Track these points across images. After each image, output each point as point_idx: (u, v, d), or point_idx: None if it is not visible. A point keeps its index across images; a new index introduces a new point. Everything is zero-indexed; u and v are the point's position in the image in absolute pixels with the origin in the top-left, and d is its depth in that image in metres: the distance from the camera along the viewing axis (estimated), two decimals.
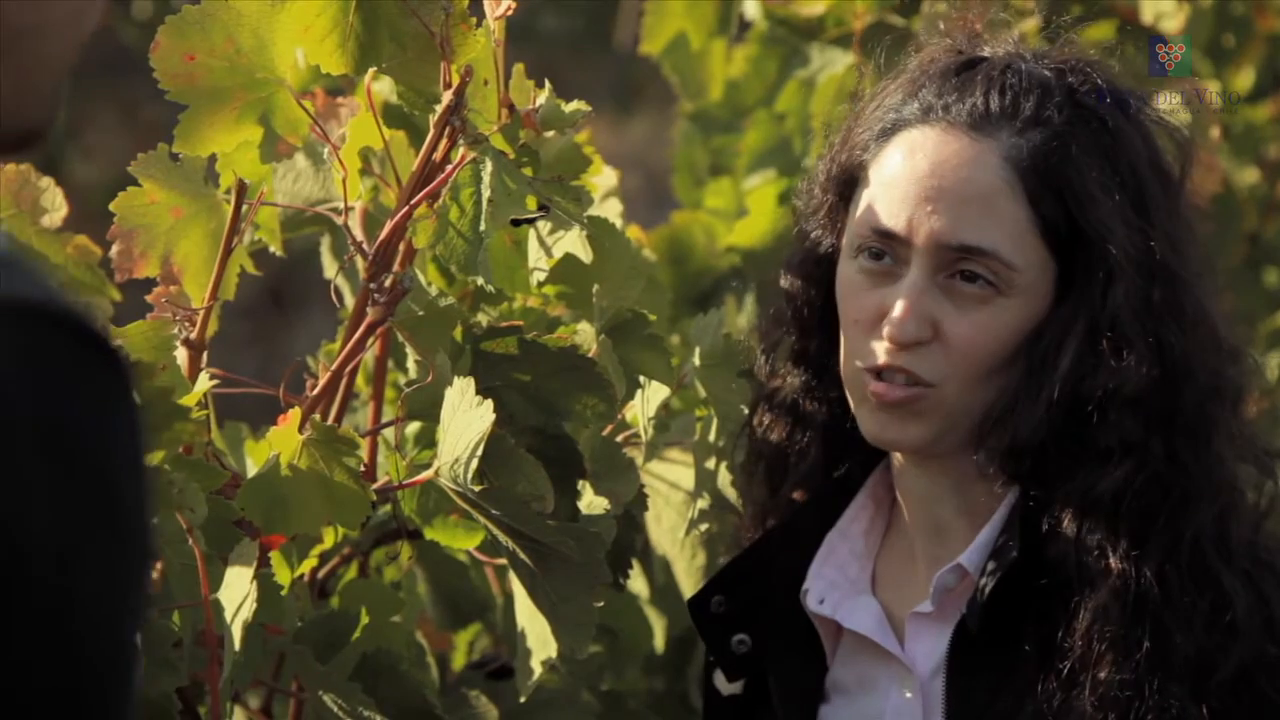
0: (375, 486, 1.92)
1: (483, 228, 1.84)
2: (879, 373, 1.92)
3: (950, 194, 1.90)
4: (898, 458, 2.01)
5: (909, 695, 1.95)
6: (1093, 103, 1.95)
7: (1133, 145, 1.94)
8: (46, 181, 1.77)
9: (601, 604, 1.88)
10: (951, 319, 1.90)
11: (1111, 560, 1.86)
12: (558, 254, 2.04)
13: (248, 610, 1.71)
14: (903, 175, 1.93)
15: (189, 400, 1.78)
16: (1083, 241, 1.91)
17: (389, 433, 2.08)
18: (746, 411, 2.10)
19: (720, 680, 2.07)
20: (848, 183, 1.99)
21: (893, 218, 1.92)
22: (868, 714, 1.98)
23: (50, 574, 1.06)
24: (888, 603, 2.00)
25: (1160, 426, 1.90)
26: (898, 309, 1.90)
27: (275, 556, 1.93)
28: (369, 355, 2.11)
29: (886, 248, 1.92)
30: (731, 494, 2.14)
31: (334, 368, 1.94)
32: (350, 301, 2.10)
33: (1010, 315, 1.90)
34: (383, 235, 1.91)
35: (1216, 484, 1.91)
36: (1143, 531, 1.88)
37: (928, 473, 1.98)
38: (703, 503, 2.13)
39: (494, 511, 1.84)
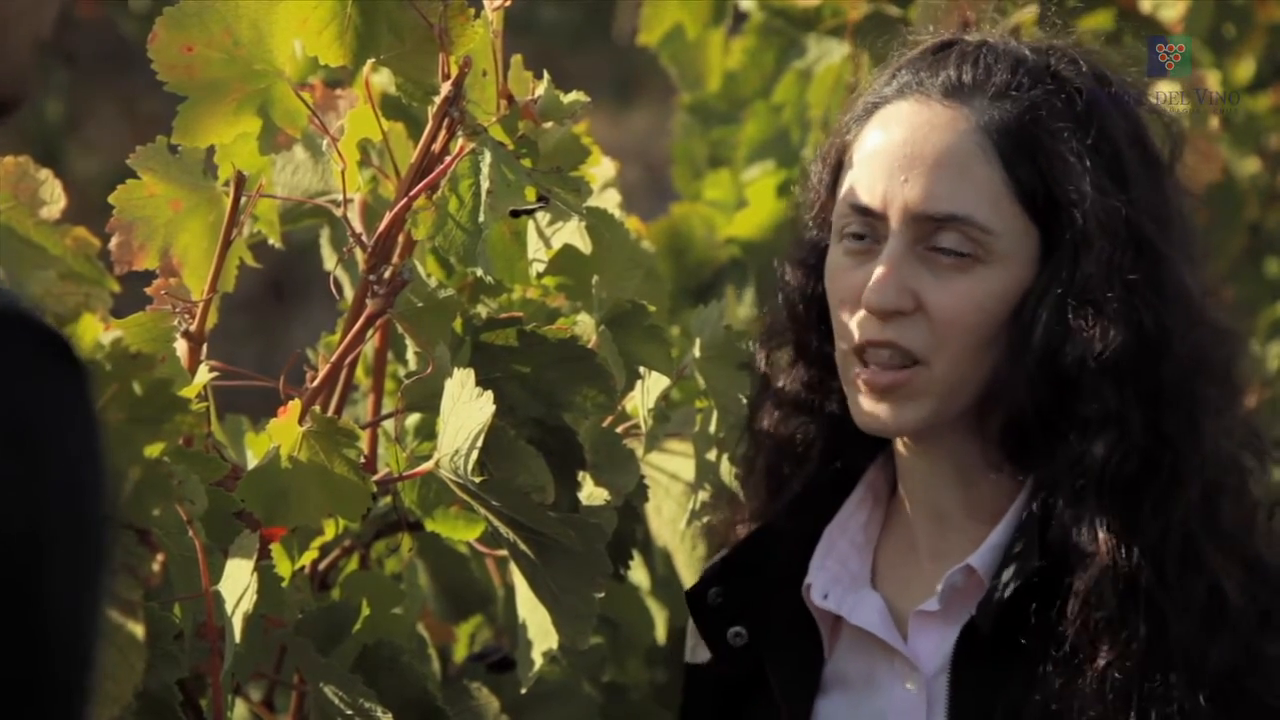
0: (376, 478, 1.92)
1: (482, 219, 1.84)
2: (864, 353, 1.91)
3: (923, 160, 1.90)
4: (900, 445, 2.00)
5: (911, 689, 1.94)
6: (1070, 74, 1.95)
7: (1109, 117, 1.94)
8: (45, 173, 1.77)
9: (602, 595, 1.88)
10: (932, 289, 1.89)
11: (1101, 538, 1.85)
12: (557, 245, 2.04)
13: (248, 602, 1.71)
14: (878, 148, 1.94)
15: (189, 392, 1.77)
16: (1057, 208, 1.90)
17: (389, 424, 2.08)
18: (746, 403, 2.10)
19: (700, 653, 2.07)
20: (835, 170, 2.00)
21: (868, 192, 1.92)
22: (870, 709, 1.97)
23: (17, 564, 1.09)
24: (890, 596, 1.99)
25: (1141, 400, 1.88)
26: (874, 276, 1.90)
27: (276, 548, 1.93)
28: (369, 347, 2.11)
29: (866, 226, 1.93)
30: (732, 485, 2.14)
31: (333, 359, 1.94)
32: (350, 293, 2.10)
33: (992, 283, 1.90)
34: (382, 227, 1.91)
35: (1204, 462, 1.89)
36: (1131, 509, 1.87)
37: (930, 459, 1.98)
38: (703, 494, 2.13)
39: (494, 503, 1.84)
